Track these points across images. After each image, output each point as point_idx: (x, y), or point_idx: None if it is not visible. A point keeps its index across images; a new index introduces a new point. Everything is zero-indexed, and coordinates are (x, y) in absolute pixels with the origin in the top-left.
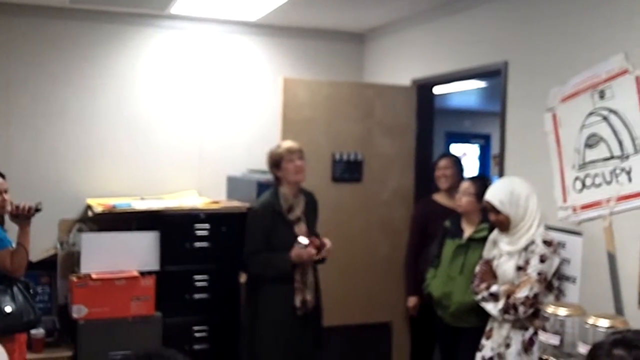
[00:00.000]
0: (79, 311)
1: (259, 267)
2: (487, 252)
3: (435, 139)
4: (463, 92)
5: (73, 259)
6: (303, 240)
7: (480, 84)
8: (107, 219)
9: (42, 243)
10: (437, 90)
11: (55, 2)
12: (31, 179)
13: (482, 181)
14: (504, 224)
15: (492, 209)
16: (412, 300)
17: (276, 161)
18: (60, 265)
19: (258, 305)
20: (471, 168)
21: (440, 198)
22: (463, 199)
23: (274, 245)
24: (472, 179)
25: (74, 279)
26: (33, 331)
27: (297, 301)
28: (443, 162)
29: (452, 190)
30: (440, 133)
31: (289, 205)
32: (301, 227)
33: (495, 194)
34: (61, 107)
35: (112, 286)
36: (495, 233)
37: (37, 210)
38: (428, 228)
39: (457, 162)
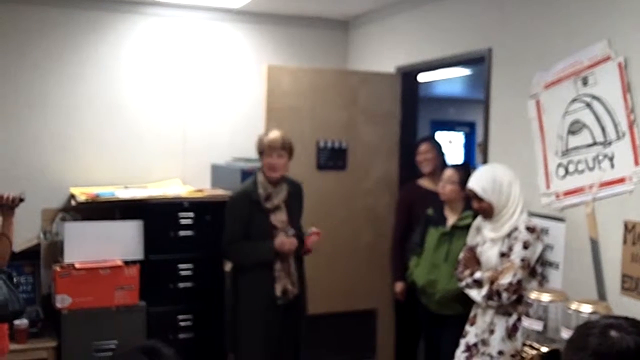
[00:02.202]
0: (62, 301)
1: (238, 256)
2: (471, 238)
3: (421, 127)
4: (448, 80)
5: (56, 249)
6: (290, 230)
7: (465, 71)
8: (91, 208)
9: (25, 233)
10: (422, 77)
11: None
12: (13, 168)
13: (465, 169)
14: (487, 211)
15: (475, 196)
16: (399, 286)
17: (259, 151)
18: (44, 255)
19: (239, 294)
20: (456, 156)
21: (424, 182)
22: (447, 187)
23: (251, 233)
24: (455, 166)
25: (58, 268)
26: (16, 321)
27: (278, 290)
28: (423, 147)
29: (435, 174)
30: (426, 121)
31: (267, 194)
32: (278, 216)
33: (477, 181)
34: (43, 95)
35: (96, 276)
36: (478, 220)
37: (21, 200)
38: (413, 212)
39: (436, 145)
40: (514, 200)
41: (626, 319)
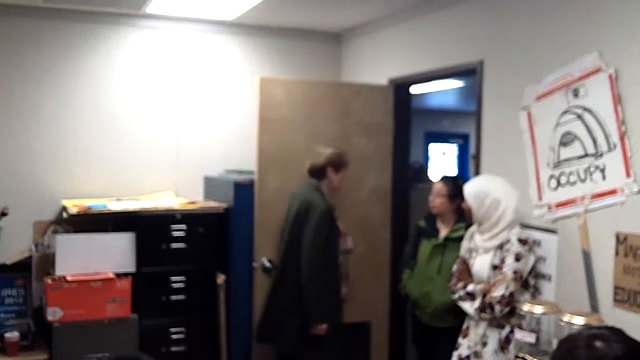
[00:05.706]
0: (54, 314)
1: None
2: (465, 244)
3: (415, 139)
4: (442, 92)
5: (48, 261)
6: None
7: (459, 83)
8: (83, 221)
9: (17, 245)
10: (415, 90)
11: (27, 2)
12: (6, 180)
13: (454, 182)
14: (469, 215)
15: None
16: None
17: (340, 165)
18: (36, 268)
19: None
20: (450, 168)
21: None
22: (436, 200)
23: (333, 240)
24: (444, 179)
25: (49, 281)
26: (7, 334)
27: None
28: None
29: None
30: (420, 133)
31: (333, 205)
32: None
33: (470, 184)
34: (36, 107)
35: (88, 288)
36: (474, 227)
37: (4, 214)
38: None
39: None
40: (499, 218)
41: (607, 328)
